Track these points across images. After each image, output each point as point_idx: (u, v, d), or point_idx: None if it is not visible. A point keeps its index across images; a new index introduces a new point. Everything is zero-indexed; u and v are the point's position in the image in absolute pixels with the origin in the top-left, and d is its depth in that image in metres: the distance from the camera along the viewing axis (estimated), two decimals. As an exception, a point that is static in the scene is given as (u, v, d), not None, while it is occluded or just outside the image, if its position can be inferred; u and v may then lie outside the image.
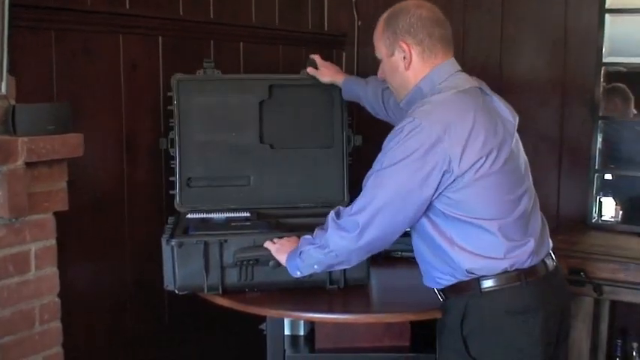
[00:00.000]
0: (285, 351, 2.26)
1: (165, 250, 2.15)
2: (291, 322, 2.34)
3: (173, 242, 2.15)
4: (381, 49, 1.97)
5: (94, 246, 2.48)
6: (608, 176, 2.87)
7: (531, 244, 1.83)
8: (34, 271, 2.04)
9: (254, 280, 2.18)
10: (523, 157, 1.94)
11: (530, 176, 1.95)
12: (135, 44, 2.56)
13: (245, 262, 2.15)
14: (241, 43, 3.01)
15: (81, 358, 2.41)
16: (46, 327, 2.08)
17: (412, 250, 2.00)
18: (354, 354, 2.26)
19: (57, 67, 2.31)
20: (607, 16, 2.78)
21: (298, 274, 2.01)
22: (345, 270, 2.18)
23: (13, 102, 1.95)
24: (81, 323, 2.42)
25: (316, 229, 1.96)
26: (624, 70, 2.81)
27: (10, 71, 1.95)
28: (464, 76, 1.92)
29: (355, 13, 3.49)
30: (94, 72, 2.44)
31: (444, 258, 1.85)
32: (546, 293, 1.86)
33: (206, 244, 2.15)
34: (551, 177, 3.12)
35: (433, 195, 1.77)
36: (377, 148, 1.88)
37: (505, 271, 1.81)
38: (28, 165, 1.92)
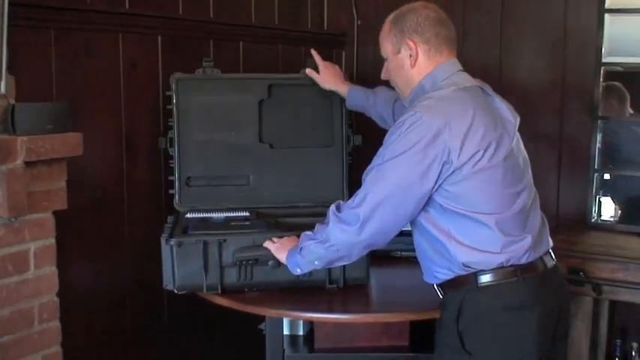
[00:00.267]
0: (284, 351, 2.26)
1: (165, 249, 2.15)
2: (290, 322, 2.34)
3: (172, 242, 2.15)
4: (387, 47, 1.99)
5: (93, 245, 2.48)
6: (607, 176, 2.87)
7: (528, 240, 1.85)
8: (33, 271, 2.03)
9: (253, 279, 2.18)
10: (523, 155, 1.96)
11: (531, 174, 1.96)
12: (134, 43, 2.56)
13: (244, 262, 2.15)
14: (241, 43, 3.01)
15: (80, 358, 2.40)
16: (45, 326, 2.08)
17: (412, 250, 2.01)
18: (353, 354, 2.26)
19: (56, 67, 2.30)
20: (606, 16, 2.78)
21: (298, 272, 2.01)
22: (344, 269, 2.19)
23: (12, 101, 1.95)
24: (80, 322, 2.42)
25: (317, 225, 1.97)
26: (622, 69, 2.81)
27: (9, 70, 1.95)
28: (465, 75, 1.95)
29: (355, 12, 3.48)
30: (94, 71, 2.44)
31: (441, 252, 1.87)
32: (543, 291, 1.87)
33: (205, 243, 2.15)
34: (550, 177, 3.12)
35: (433, 188, 1.79)
36: (376, 148, 1.88)
37: (501, 266, 1.82)
38: (28, 164, 1.92)
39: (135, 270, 2.61)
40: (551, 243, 1.97)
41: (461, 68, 1.97)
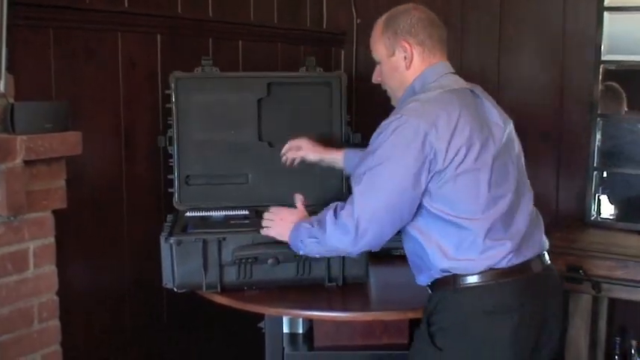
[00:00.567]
0: (283, 349, 2.26)
1: (164, 248, 2.15)
2: (289, 320, 2.34)
3: (172, 240, 2.15)
4: (379, 50, 1.97)
5: (93, 244, 2.48)
6: (606, 174, 2.87)
7: (509, 245, 1.80)
8: (32, 270, 2.04)
9: (253, 278, 2.18)
10: (514, 158, 1.91)
11: (525, 177, 1.94)
12: (134, 42, 2.56)
13: (244, 260, 2.15)
14: (240, 41, 3.02)
15: (79, 357, 2.41)
16: (44, 325, 2.08)
17: (411, 249, 2.01)
18: (352, 352, 2.26)
19: (55, 66, 2.31)
20: (606, 14, 2.78)
21: (301, 253, 2.03)
22: (343, 267, 2.19)
23: (11, 100, 1.95)
24: (79, 321, 2.42)
25: (314, 221, 1.95)
26: (620, 68, 2.81)
27: (8, 69, 1.95)
28: (455, 77, 1.94)
29: (354, 11, 3.49)
30: (93, 70, 2.44)
31: (422, 257, 1.86)
32: (525, 295, 1.81)
33: (205, 242, 2.15)
34: (550, 175, 3.13)
35: (423, 189, 1.78)
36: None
37: (479, 271, 1.79)
38: (27, 163, 1.92)
39: (134, 269, 2.61)
40: (545, 246, 1.93)
41: (452, 70, 1.95)
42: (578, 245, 2.64)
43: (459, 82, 1.92)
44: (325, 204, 1.98)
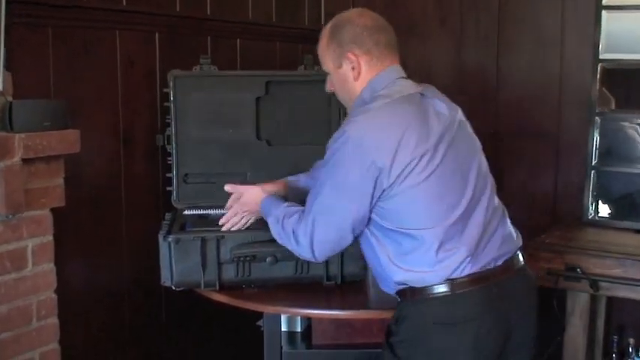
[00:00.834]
0: (282, 347, 2.26)
1: (163, 246, 2.15)
2: (288, 319, 2.34)
3: (170, 238, 2.15)
4: (327, 62, 1.92)
5: (91, 242, 2.48)
6: (604, 173, 2.87)
7: (463, 250, 1.75)
8: (31, 268, 2.04)
9: (251, 276, 2.18)
10: (469, 152, 1.86)
11: (484, 169, 1.87)
12: (132, 41, 2.56)
13: (242, 258, 2.15)
14: (238, 40, 3.01)
15: (77, 355, 2.41)
16: (42, 323, 2.09)
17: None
18: (351, 350, 2.27)
19: (54, 64, 2.31)
20: (604, 12, 2.78)
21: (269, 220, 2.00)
22: (342, 266, 2.20)
23: (9, 98, 1.96)
24: (78, 320, 2.42)
25: (282, 221, 1.90)
26: (619, 67, 2.81)
27: (6, 67, 1.95)
28: (406, 82, 1.87)
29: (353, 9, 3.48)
30: (91, 68, 2.44)
31: (377, 269, 1.85)
32: (485, 304, 1.75)
33: (203, 240, 2.15)
34: (548, 173, 3.13)
35: (370, 208, 1.75)
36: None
37: (435, 283, 1.75)
38: (25, 161, 1.92)
39: (133, 267, 2.61)
40: (513, 243, 1.86)
41: (402, 75, 1.88)
42: (576, 244, 2.64)
43: (408, 88, 1.85)
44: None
